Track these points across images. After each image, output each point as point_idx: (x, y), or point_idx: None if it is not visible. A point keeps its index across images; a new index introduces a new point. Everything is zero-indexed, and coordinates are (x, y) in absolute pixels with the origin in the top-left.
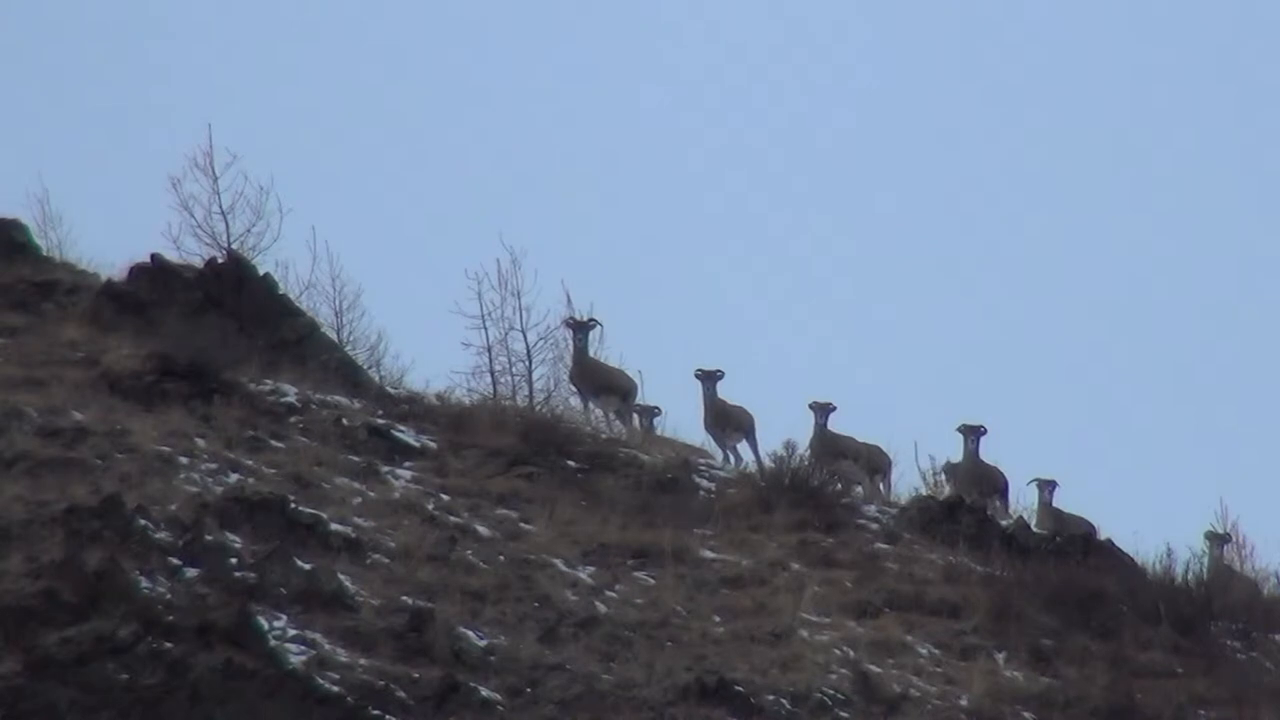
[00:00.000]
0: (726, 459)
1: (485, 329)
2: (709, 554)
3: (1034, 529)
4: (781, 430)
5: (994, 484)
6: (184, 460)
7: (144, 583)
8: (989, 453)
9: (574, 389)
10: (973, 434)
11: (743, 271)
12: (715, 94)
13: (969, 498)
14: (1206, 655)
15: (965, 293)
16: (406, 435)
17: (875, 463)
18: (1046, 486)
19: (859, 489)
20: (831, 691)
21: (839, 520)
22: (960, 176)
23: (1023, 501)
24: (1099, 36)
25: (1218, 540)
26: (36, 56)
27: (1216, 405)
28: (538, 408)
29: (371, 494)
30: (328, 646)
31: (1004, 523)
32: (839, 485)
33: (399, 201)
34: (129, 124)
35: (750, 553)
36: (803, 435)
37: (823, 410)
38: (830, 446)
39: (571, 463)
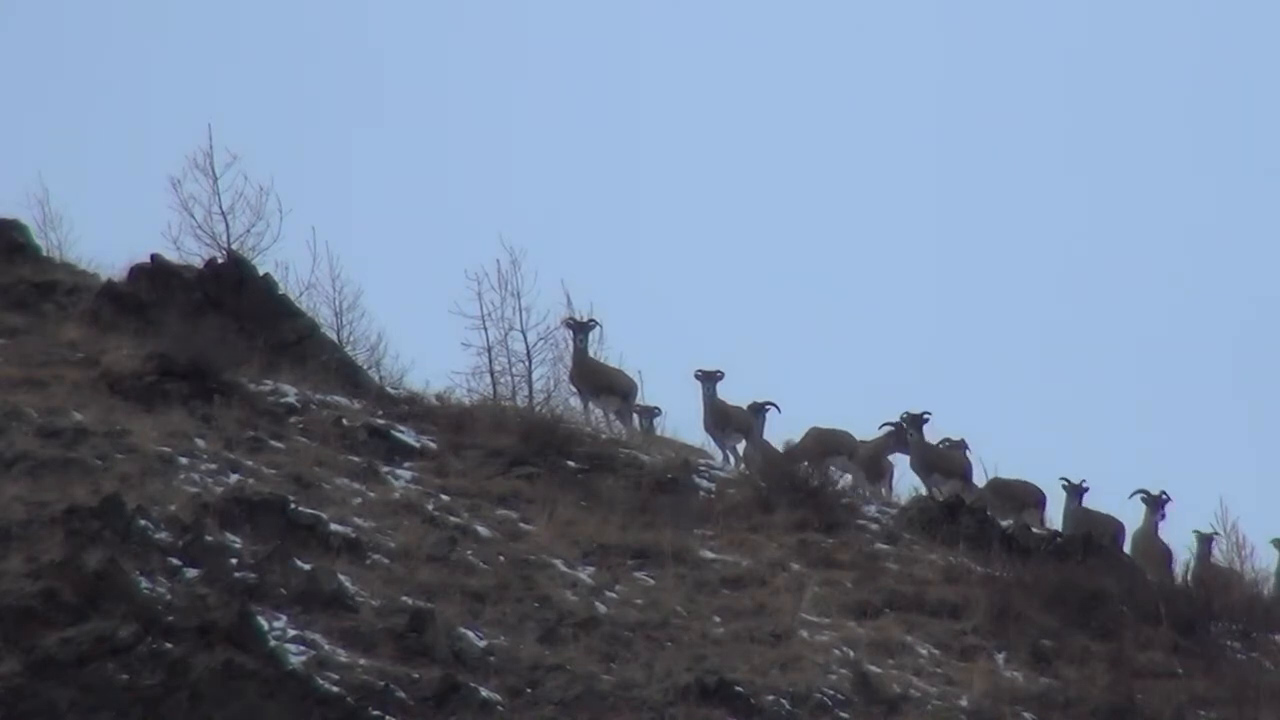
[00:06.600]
0: (726, 459)
1: (485, 329)
2: (709, 554)
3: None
4: (781, 430)
5: (954, 468)
6: (184, 460)
7: (144, 583)
8: (988, 460)
9: (574, 389)
10: (915, 424)
11: (743, 271)
12: (715, 93)
13: (927, 484)
14: (1206, 655)
15: (965, 292)
16: (406, 436)
17: (878, 466)
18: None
19: (848, 477)
20: (831, 692)
21: (839, 520)
22: (960, 177)
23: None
24: (1082, 34)
25: (1205, 540)
26: (36, 56)
27: (1216, 405)
28: (538, 408)
29: (371, 494)
30: (328, 646)
31: (994, 516)
32: (838, 485)
33: (399, 201)
34: (129, 124)
35: (750, 553)
36: (802, 435)
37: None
38: (828, 445)
39: (571, 463)
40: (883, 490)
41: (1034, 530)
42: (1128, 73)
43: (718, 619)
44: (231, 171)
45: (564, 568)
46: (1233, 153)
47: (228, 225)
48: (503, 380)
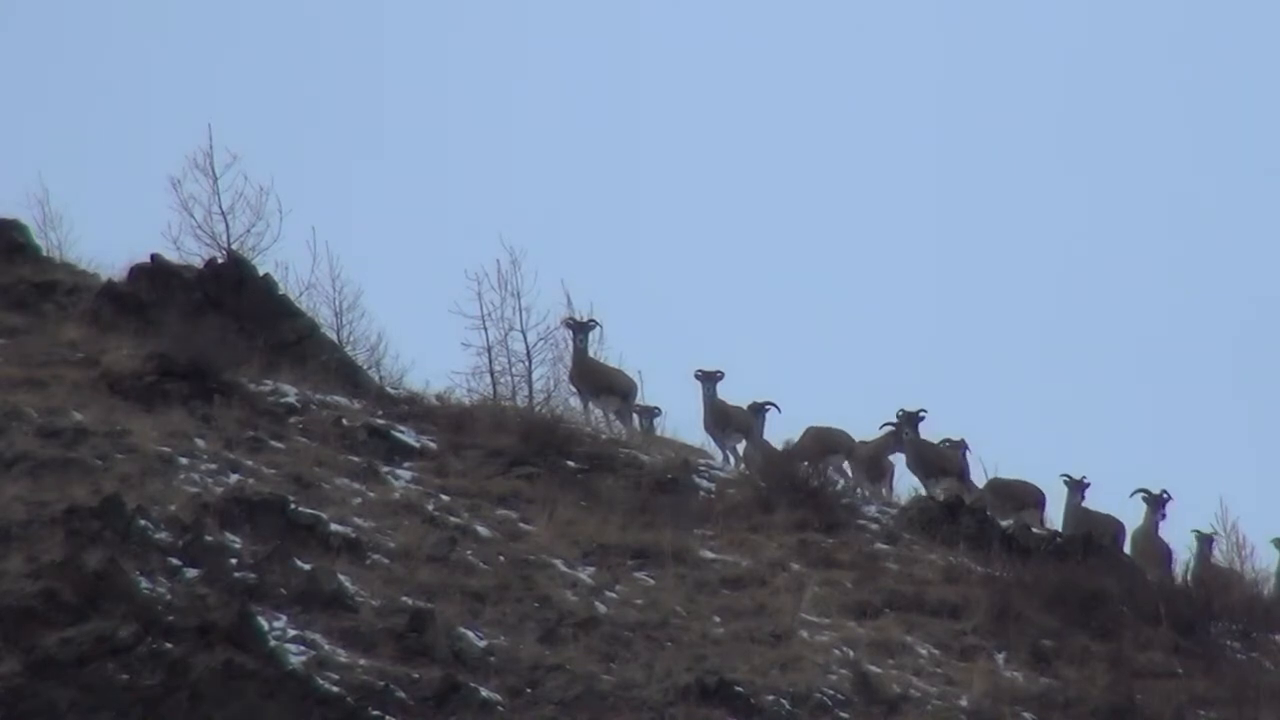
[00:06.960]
0: (726, 459)
1: (485, 329)
2: (709, 554)
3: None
4: (781, 430)
5: (950, 466)
6: (184, 460)
7: (144, 583)
8: (988, 460)
9: (574, 389)
10: (910, 422)
11: (743, 271)
12: (715, 94)
13: (924, 482)
14: (1206, 655)
15: (965, 293)
16: (406, 436)
17: (878, 466)
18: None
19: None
20: (831, 692)
21: (839, 520)
22: (959, 176)
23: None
24: (1082, 34)
25: (1205, 540)
26: (36, 56)
27: (1216, 405)
28: (538, 408)
29: (371, 494)
30: (328, 646)
31: (975, 500)
32: (838, 485)
33: (399, 201)
34: (129, 124)
35: (750, 553)
36: (800, 435)
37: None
38: (826, 445)
39: (571, 463)
40: (883, 490)
41: (1034, 530)
42: (1127, 72)
43: (718, 619)
44: (231, 171)
45: (564, 568)
46: (1233, 152)
47: (228, 225)
48: (503, 380)
